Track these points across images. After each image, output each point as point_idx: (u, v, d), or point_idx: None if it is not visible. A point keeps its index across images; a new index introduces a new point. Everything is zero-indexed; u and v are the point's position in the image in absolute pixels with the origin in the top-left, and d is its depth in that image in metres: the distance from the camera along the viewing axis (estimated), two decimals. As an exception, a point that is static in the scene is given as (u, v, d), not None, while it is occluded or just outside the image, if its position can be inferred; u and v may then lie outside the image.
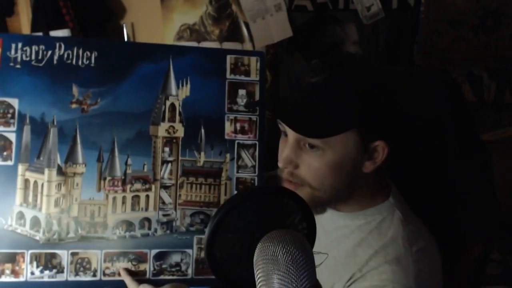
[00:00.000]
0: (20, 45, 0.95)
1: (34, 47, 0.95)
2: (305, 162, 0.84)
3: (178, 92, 0.99)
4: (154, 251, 0.96)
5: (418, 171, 0.98)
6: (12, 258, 0.91)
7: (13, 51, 0.95)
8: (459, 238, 0.99)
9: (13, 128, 0.94)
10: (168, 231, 0.97)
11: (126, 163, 0.96)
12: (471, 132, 1.03)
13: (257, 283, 0.60)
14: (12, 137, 0.93)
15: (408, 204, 0.92)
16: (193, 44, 1.81)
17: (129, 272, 0.94)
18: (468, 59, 1.85)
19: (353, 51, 1.80)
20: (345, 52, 1.71)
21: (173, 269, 0.96)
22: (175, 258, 0.96)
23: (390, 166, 0.86)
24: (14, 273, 0.91)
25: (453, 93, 1.03)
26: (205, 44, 1.81)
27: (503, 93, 1.88)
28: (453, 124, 1.00)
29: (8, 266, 0.91)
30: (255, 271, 0.60)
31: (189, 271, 0.97)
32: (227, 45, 1.81)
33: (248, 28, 1.79)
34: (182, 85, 0.99)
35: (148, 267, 0.95)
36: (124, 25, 1.81)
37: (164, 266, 0.96)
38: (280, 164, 0.87)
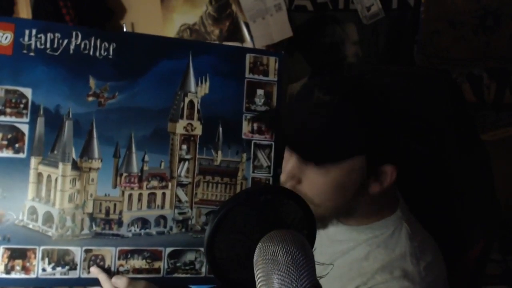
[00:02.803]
0: (34, 31, 0.90)
1: (49, 35, 0.91)
2: (309, 179, 0.81)
3: (197, 90, 0.98)
4: (169, 249, 0.96)
5: (418, 171, 0.97)
6: (23, 254, 0.90)
7: (26, 38, 0.90)
8: (459, 238, 0.98)
9: (26, 119, 0.90)
10: (183, 230, 0.97)
11: (143, 160, 0.95)
12: (471, 132, 1.03)
13: (257, 283, 0.60)
14: (25, 128, 0.90)
15: (408, 205, 0.92)
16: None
17: (142, 270, 0.93)
18: (468, 59, 1.85)
19: (353, 51, 1.80)
20: (357, 73, 1.67)
21: (187, 267, 0.96)
22: (190, 256, 0.96)
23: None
24: (25, 269, 0.90)
25: (453, 93, 1.03)
26: (205, 44, 1.81)
27: (503, 93, 1.88)
28: (453, 124, 1.00)
29: (19, 262, 0.89)
30: (255, 271, 0.60)
31: (203, 269, 0.97)
32: (227, 45, 1.81)
33: (248, 28, 1.79)
34: (201, 83, 0.98)
35: (162, 265, 0.95)
36: (124, 25, 1.81)
37: (178, 264, 0.96)
38: (282, 178, 0.84)
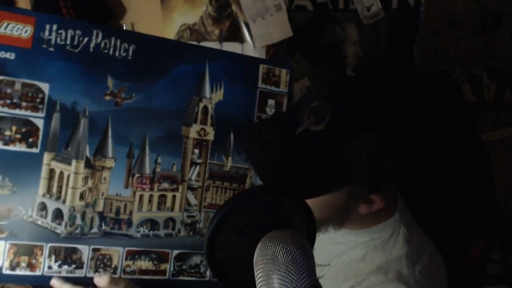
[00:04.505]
0: (55, 27, 0.90)
1: (70, 32, 0.90)
2: None
3: (212, 96, 0.98)
4: (175, 252, 0.95)
5: (418, 171, 0.97)
6: (29, 251, 0.88)
7: (47, 32, 0.89)
8: (459, 239, 0.98)
9: (42, 114, 0.89)
10: (191, 233, 0.97)
11: (155, 162, 0.95)
12: (471, 132, 1.03)
13: (257, 283, 0.60)
14: (40, 123, 0.89)
15: (408, 205, 0.92)
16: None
17: (148, 271, 0.93)
18: (468, 59, 1.85)
19: (353, 51, 1.80)
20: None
21: (192, 270, 0.96)
22: (195, 259, 0.96)
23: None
24: (30, 266, 0.88)
25: (453, 93, 1.03)
26: (205, 44, 1.80)
27: (503, 93, 1.87)
28: (453, 124, 1.00)
29: (25, 258, 0.88)
30: (255, 271, 0.60)
31: (207, 273, 0.97)
32: (227, 45, 1.81)
33: (248, 28, 1.79)
34: (216, 89, 0.99)
35: (168, 267, 0.95)
36: (124, 25, 1.81)
37: (184, 267, 0.96)
38: None
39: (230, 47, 1.80)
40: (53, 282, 0.88)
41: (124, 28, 1.80)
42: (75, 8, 1.71)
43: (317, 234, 0.84)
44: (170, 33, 1.82)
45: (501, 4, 1.81)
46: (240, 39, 1.82)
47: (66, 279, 0.89)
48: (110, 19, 1.81)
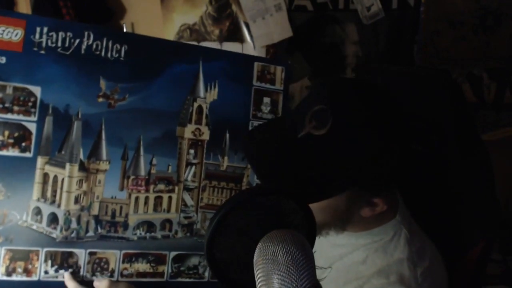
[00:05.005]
0: (45, 29, 0.89)
1: (61, 33, 0.90)
2: None
3: (206, 95, 0.98)
4: (173, 253, 0.95)
5: (418, 171, 0.97)
6: (25, 256, 0.88)
7: (37, 35, 0.88)
8: (459, 239, 0.98)
9: (34, 118, 0.88)
10: (188, 234, 0.96)
11: (150, 163, 0.94)
12: (471, 132, 1.03)
13: (257, 283, 0.60)
14: (33, 127, 0.88)
15: (408, 206, 0.92)
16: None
17: (146, 273, 0.93)
18: (468, 59, 1.85)
19: (353, 51, 1.80)
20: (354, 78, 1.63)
21: (191, 272, 0.96)
22: (193, 260, 0.96)
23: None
24: (27, 271, 0.88)
25: (454, 93, 1.03)
26: (205, 44, 1.81)
27: (503, 93, 1.88)
28: (453, 124, 1.00)
29: (20, 264, 0.87)
30: (255, 271, 0.60)
31: (206, 274, 0.96)
32: (227, 45, 1.81)
33: (248, 28, 1.79)
34: (210, 88, 0.98)
35: (166, 269, 0.95)
36: (124, 25, 1.81)
37: (182, 268, 0.95)
38: None
39: (230, 47, 1.80)
40: (65, 274, 0.88)
41: (124, 28, 1.80)
42: (75, 8, 1.71)
43: (318, 237, 0.84)
44: (170, 33, 1.82)
45: (501, 4, 1.81)
46: (240, 39, 1.82)
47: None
48: (110, 19, 1.81)
